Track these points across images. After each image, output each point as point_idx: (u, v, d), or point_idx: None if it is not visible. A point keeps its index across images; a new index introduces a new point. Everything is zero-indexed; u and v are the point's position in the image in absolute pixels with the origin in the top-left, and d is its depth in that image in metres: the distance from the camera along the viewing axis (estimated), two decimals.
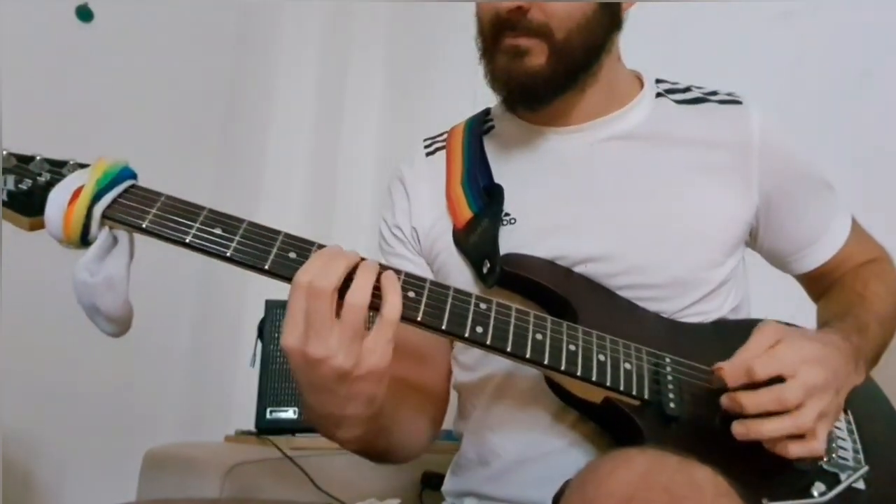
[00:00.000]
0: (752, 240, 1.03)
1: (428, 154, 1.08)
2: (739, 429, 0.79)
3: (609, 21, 0.95)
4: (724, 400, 0.80)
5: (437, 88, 2.30)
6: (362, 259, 0.76)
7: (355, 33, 2.44)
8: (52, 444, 1.87)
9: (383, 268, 0.77)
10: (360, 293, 0.72)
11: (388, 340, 0.73)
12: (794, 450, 0.79)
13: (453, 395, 1.06)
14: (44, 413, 1.82)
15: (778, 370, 0.79)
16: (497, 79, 0.95)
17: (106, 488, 1.36)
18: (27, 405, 1.73)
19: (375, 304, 0.74)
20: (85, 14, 1.94)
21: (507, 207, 0.97)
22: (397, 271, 0.79)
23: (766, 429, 0.78)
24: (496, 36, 0.93)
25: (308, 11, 2.35)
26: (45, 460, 1.88)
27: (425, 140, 1.10)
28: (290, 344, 0.71)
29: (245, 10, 2.32)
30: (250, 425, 1.64)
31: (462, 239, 0.97)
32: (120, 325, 0.77)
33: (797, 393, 0.78)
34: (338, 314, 0.72)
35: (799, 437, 0.79)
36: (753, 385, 0.79)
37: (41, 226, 0.75)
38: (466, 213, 0.98)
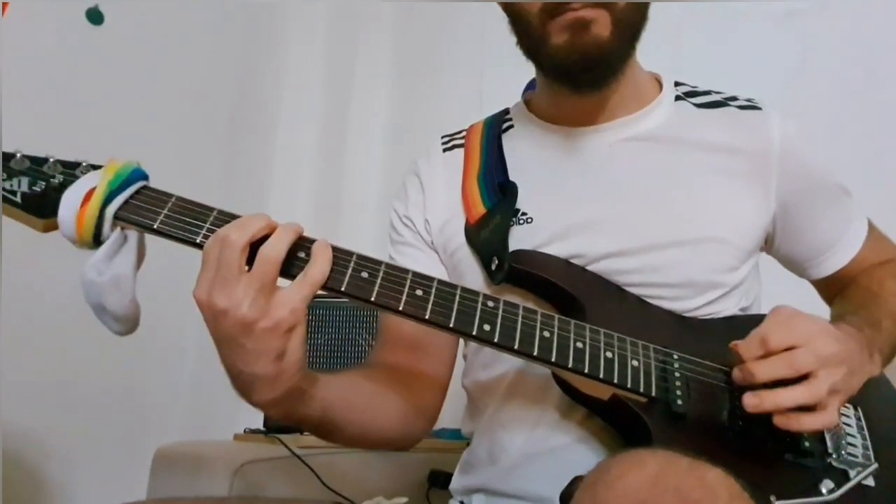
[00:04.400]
0: (769, 245, 1.03)
1: (445, 150, 1.08)
2: (752, 400, 0.78)
3: (645, 10, 0.94)
4: (737, 373, 0.80)
5: (444, 88, 2.30)
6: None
7: (362, 33, 2.44)
8: (61, 443, 1.87)
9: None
10: (271, 246, 0.73)
11: (303, 298, 0.74)
12: (807, 422, 0.78)
13: (463, 396, 1.06)
14: (53, 412, 1.82)
15: (792, 340, 0.79)
16: (554, 57, 0.91)
17: (116, 487, 1.37)
18: (36, 404, 1.73)
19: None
20: (95, 16, 1.94)
21: (524, 207, 0.97)
22: (404, 271, 0.80)
23: (780, 397, 0.77)
24: (550, 18, 0.89)
25: (315, 11, 2.35)
26: (54, 459, 1.88)
27: (443, 137, 1.10)
28: (198, 294, 0.73)
29: (252, 11, 2.33)
30: (259, 424, 1.64)
31: (473, 234, 0.97)
32: (127, 323, 0.78)
33: (809, 359, 0.78)
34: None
35: (810, 409, 0.78)
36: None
37: (55, 227, 0.76)
38: (480, 209, 0.98)
